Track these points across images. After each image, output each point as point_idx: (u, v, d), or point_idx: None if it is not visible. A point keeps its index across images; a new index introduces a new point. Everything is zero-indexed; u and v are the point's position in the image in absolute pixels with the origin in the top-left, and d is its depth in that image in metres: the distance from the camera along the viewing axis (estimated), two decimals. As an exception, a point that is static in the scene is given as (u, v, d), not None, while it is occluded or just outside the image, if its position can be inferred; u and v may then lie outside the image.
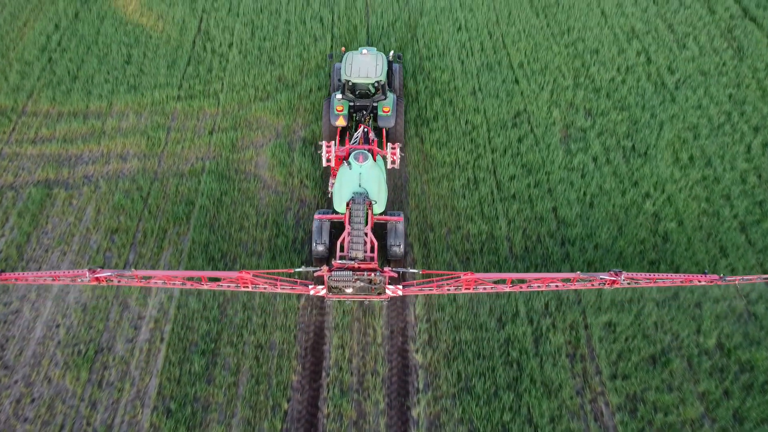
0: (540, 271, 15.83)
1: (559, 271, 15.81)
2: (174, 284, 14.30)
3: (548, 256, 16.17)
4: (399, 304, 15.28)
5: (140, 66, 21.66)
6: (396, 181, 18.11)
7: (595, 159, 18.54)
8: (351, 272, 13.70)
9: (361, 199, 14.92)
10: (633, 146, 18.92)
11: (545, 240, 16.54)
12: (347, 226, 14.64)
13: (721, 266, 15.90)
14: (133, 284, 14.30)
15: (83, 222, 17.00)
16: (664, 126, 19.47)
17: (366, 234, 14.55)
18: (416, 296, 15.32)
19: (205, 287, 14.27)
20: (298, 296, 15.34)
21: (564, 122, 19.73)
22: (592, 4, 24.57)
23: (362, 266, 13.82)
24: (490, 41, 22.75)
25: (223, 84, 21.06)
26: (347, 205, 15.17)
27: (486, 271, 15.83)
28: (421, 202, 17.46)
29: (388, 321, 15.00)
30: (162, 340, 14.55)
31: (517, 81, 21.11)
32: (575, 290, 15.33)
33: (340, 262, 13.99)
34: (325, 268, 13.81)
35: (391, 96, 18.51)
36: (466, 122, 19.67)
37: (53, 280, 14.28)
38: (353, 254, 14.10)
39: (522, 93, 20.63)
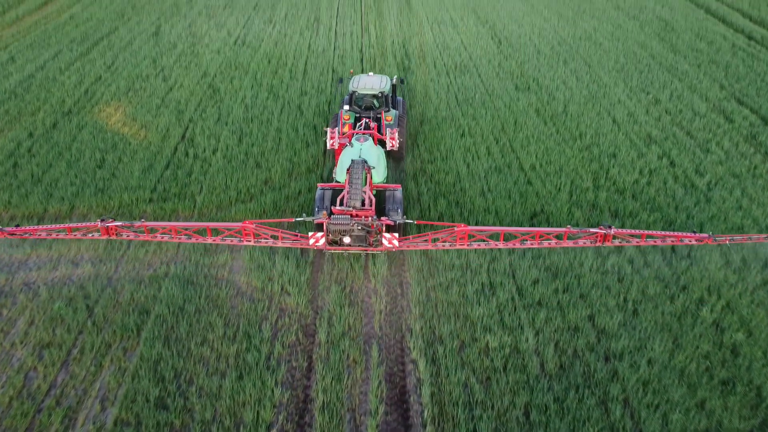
0: (582, 392, 12.25)
1: (606, 393, 12.24)
2: (180, 239, 15.10)
3: (590, 374, 12.67)
4: (401, 438, 11.55)
5: (113, 170, 19.63)
6: (395, 289, 15.12)
7: (631, 261, 15.70)
8: (349, 217, 14.46)
9: (360, 162, 15.84)
10: (673, 248, 16.17)
11: (584, 354, 13.13)
12: (346, 186, 15.36)
13: (815, 386, 12.39)
14: (141, 238, 15.02)
15: (9, 335, 13.71)
16: (705, 227, 16.89)
17: (364, 192, 15.34)
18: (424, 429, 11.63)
19: (210, 241, 15.18)
20: (269, 429, 11.63)
21: (588, 223, 17.19)
22: (602, 113, 23.28)
23: (360, 213, 14.62)
24: (497, 146, 21.00)
25: (202, 187, 18.87)
26: (347, 171, 15.89)
27: (513, 392, 12.27)
28: (426, 311, 14.31)
29: (386, 461, 11.17)
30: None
31: (530, 182, 18.93)
32: None
33: (339, 208, 14.82)
34: (324, 213, 14.68)
35: (394, 111, 19.94)
36: (477, 223, 17.11)
37: (66, 233, 15.04)
38: (351, 203, 14.84)
39: (537, 194, 18.34)
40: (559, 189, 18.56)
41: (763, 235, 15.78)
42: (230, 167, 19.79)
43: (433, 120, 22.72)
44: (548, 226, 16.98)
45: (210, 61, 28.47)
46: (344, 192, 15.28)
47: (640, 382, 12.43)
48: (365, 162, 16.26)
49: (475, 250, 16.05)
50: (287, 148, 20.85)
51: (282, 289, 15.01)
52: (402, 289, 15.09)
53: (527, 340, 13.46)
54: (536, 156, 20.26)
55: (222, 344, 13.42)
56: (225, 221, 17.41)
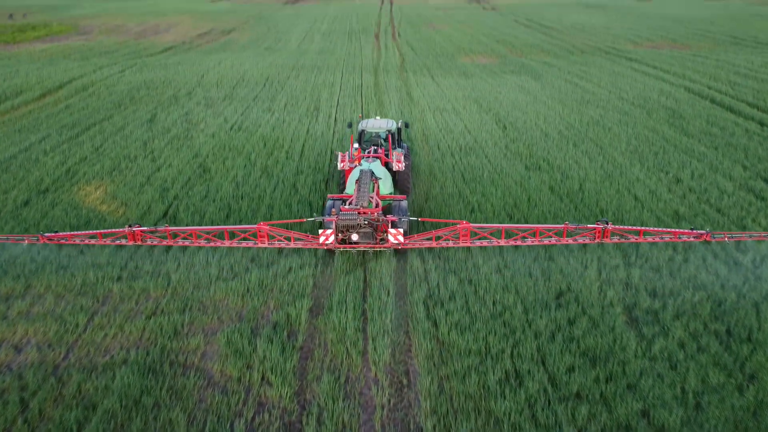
0: None
1: None
2: (200, 243, 16.51)
3: (656, 488, 9.78)
4: None
5: (81, 247, 17.48)
6: (401, 379, 12.45)
7: (682, 345, 13.13)
8: (357, 213, 15.60)
9: (368, 171, 17.74)
10: (728, 330, 13.66)
11: (643, 461, 10.30)
12: (355, 192, 16.88)
13: None
14: (164, 243, 16.61)
15: None
16: (761, 307, 14.47)
17: (372, 197, 16.60)
18: None
19: (227, 245, 16.38)
20: None
21: (623, 303, 14.78)
22: (622, 190, 21.52)
23: (367, 210, 15.80)
24: (511, 222, 19.00)
25: (179, 263, 16.62)
26: (356, 182, 17.47)
27: None
28: (440, 405, 11.56)
29: None
30: None
31: (551, 259, 16.72)
32: None
33: (348, 207, 16.01)
34: (333, 211, 16.10)
35: (400, 149, 21.57)
36: (494, 302, 14.71)
37: (97, 239, 16.76)
38: (359, 203, 16.03)
39: (561, 271, 16.06)
40: (586, 266, 16.31)
41: (764, 233, 16.43)
42: (213, 243, 17.69)
43: (438, 197, 20.91)
44: (578, 306, 14.56)
45: (203, 143, 27.25)
46: (353, 197, 16.69)
47: (722, 497, 9.56)
48: (373, 173, 17.93)
49: (495, 332, 13.56)
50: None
51: (263, 378, 12.34)
52: (409, 379, 12.42)
53: (568, 441, 10.67)
54: (556, 233, 18.20)
55: (182, 447, 10.61)
56: (202, 300, 15.03)
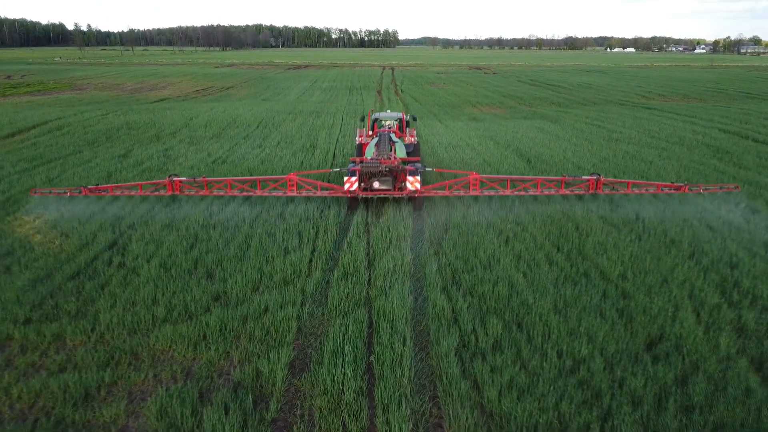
0: None
1: None
2: (234, 193, 18.19)
3: None
4: None
5: (-10, 281, 13.03)
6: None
7: None
8: (379, 162, 17.30)
9: (386, 134, 20.59)
10: None
11: None
12: (375, 151, 18.98)
13: None
14: (201, 193, 18.08)
15: None
16: None
17: (391, 154, 18.32)
18: None
19: (258, 194, 18.01)
20: None
21: (748, 355, 10.20)
22: (690, 219, 17.21)
23: (386, 162, 17.31)
24: (559, 253, 14.59)
25: (115, 300, 12.12)
26: (375, 145, 19.69)
27: None
28: None
29: None
30: None
31: (626, 295, 12.24)
32: None
33: (370, 158, 18.21)
34: (358, 160, 18.19)
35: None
36: (560, 353, 10.12)
37: (138, 191, 18.29)
38: (381, 155, 17.85)
39: (645, 311, 11.53)
40: (677, 306, 11.77)
41: (732, 185, 18.68)
42: (166, 277, 13.20)
43: (462, 225, 16.56)
44: (683, 359, 9.93)
45: (179, 174, 23.17)
46: (373, 153, 18.57)
47: None
48: (390, 137, 20.13)
49: (570, 396, 8.90)
50: (256, 255, 14.44)
51: (208, 470, 7.66)
52: (444, 473, 7.70)
53: None
54: (622, 264, 13.78)
55: None
56: (137, 351, 10.42)
